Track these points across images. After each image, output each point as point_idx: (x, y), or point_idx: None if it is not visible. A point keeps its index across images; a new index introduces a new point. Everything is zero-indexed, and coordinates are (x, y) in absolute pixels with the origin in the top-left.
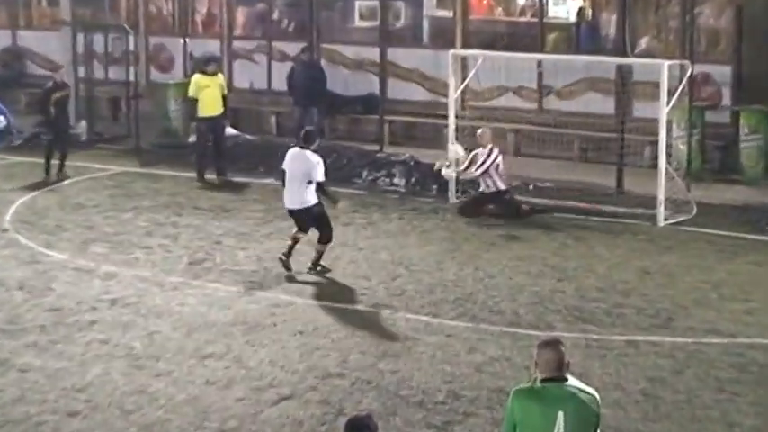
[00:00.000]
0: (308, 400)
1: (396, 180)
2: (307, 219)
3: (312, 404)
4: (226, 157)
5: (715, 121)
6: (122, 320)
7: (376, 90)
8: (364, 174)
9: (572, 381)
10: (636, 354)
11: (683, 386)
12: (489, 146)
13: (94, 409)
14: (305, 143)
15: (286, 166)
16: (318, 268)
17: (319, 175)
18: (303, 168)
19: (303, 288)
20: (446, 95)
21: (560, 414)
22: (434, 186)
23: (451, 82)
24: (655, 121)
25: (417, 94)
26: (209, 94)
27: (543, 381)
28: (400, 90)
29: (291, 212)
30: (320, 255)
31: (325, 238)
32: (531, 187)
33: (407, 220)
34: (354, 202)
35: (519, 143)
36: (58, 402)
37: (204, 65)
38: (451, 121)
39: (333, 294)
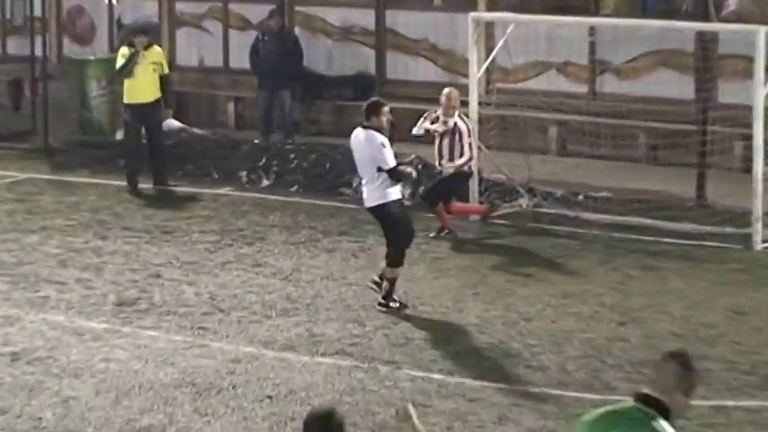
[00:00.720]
0: None
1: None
2: (382, 220)
3: None
4: (165, 158)
5: None
6: (27, 381)
7: (371, 68)
8: (355, 182)
9: None
10: (726, 424)
11: None
12: (458, 112)
13: None
14: (366, 119)
15: (354, 154)
16: (392, 304)
17: (386, 161)
18: (368, 151)
19: (272, 336)
20: (466, 75)
21: None
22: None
23: (473, 57)
24: (748, 108)
25: (427, 72)
26: (140, 74)
27: None
28: (404, 67)
29: (370, 212)
30: (392, 284)
31: (392, 258)
32: (581, 197)
33: (415, 245)
34: (341, 220)
35: (565, 138)
36: None
37: (134, 35)
38: (473, 110)
39: (313, 345)
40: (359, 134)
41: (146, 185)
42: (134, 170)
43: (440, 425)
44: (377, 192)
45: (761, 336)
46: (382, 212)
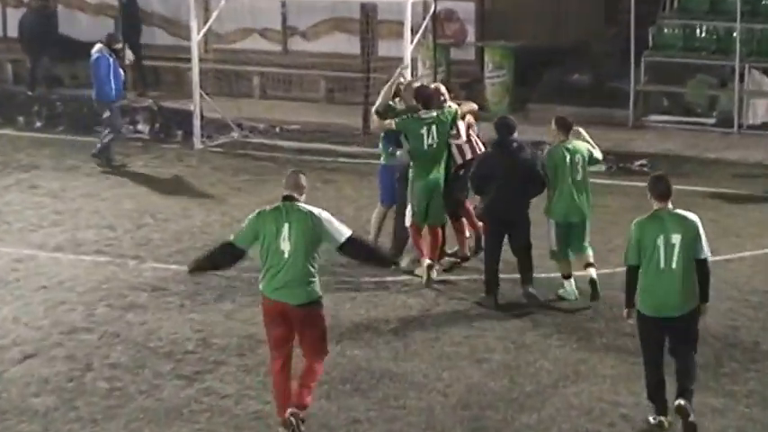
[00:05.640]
0: (54, 356)
1: (139, 127)
2: None
3: (58, 361)
4: None
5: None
6: None
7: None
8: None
9: None
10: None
11: (434, 324)
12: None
13: None
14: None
15: None
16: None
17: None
18: None
19: (45, 241)
20: (189, 39)
21: None
22: (179, 132)
23: (194, 25)
24: (400, 59)
25: (159, 37)
26: None
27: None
28: (142, 34)
29: None
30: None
31: None
32: (277, 129)
33: (152, 168)
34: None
35: (265, 85)
36: None
37: None
38: (195, 65)
39: (77, 246)
40: None
41: None
42: None
43: (174, 303)
44: None
45: None
46: None
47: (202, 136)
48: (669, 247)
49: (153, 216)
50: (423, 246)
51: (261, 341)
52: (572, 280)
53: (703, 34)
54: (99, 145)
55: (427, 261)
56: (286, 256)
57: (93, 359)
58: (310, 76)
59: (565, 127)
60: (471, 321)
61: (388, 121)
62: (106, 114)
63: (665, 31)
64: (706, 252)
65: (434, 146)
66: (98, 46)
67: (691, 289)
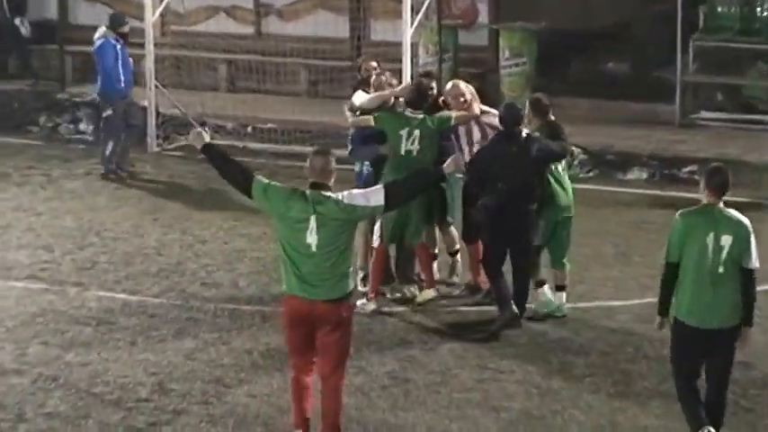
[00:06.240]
0: None
1: (82, 126)
2: None
3: None
4: None
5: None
6: None
7: (53, 14)
8: (42, 119)
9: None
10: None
11: (439, 365)
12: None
13: None
14: None
15: None
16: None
17: None
18: None
19: None
20: (142, 19)
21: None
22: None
23: (148, 2)
24: (397, 44)
25: (106, 17)
26: None
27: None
28: (84, 13)
29: None
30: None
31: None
32: (249, 129)
33: (97, 176)
34: (29, 155)
35: (233, 76)
36: None
37: None
38: (150, 51)
39: (6, 271)
40: None
41: None
42: None
43: (124, 340)
44: None
45: None
46: None
47: (158, 137)
48: (718, 248)
49: (98, 234)
50: (377, 277)
51: (228, 387)
52: (563, 293)
53: (764, 14)
54: (104, 156)
55: (370, 296)
56: (313, 249)
57: (26, 408)
58: (289, 64)
59: (541, 111)
60: (485, 362)
61: (364, 117)
62: (107, 113)
63: (719, 10)
64: (755, 262)
65: (413, 153)
66: (101, 30)
67: (737, 301)
